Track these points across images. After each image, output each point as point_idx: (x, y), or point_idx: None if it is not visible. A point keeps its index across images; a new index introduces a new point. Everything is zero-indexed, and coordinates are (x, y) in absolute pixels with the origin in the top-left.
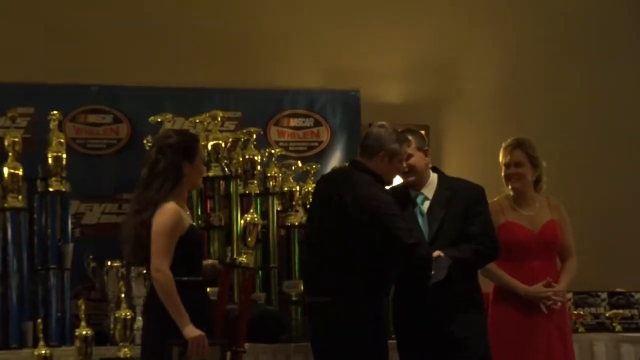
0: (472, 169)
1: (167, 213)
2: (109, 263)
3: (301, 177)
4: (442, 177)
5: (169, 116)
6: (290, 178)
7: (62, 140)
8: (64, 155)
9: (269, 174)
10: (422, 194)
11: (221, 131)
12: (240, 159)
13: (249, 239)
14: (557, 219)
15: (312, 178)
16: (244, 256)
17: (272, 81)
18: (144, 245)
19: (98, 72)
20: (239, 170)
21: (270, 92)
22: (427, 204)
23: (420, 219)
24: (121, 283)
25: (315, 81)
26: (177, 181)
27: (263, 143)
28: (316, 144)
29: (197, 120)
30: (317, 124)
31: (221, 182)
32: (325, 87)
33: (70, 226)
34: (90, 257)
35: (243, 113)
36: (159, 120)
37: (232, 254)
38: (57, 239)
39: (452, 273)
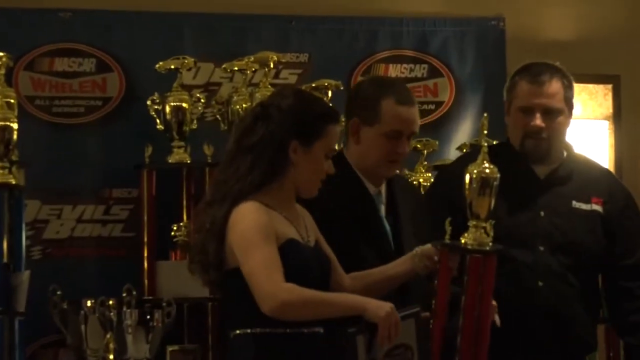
0: None
1: (245, 216)
2: (89, 303)
3: (407, 162)
4: None
5: (190, 61)
6: None
7: (12, 101)
8: (15, 126)
9: None
10: (381, 193)
11: (274, 86)
12: None
13: (478, 207)
14: None
15: (425, 163)
16: (471, 234)
17: (359, 4)
18: (207, 256)
19: None
20: None
21: (356, 22)
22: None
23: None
24: (109, 336)
25: (431, 4)
26: (276, 168)
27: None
28: (432, 106)
29: (235, 68)
30: (434, 73)
31: None
32: (447, 13)
33: (24, 242)
34: (58, 292)
35: (311, 56)
36: (172, 67)
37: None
38: (1, 263)
39: None
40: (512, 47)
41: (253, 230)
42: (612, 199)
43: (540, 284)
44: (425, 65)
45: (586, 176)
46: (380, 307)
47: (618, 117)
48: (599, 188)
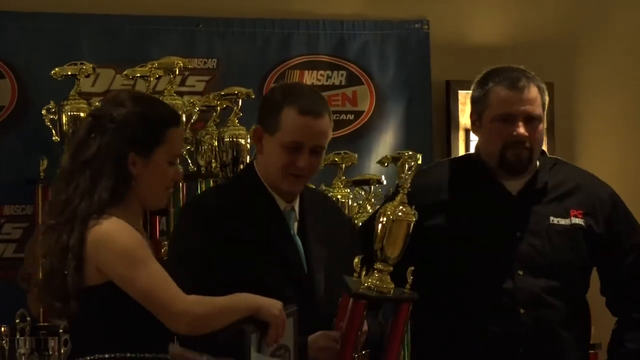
0: (628, 152)
1: (116, 232)
2: None
3: (324, 176)
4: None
5: (88, 67)
6: None
7: None
8: None
9: None
10: (294, 209)
11: (180, 94)
12: (215, 143)
13: (388, 249)
14: None
15: (343, 178)
16: (376, 276)
17: (271, 5)
18: (65, 288)
19: None
20: (214, 164)
21: (269, 25)
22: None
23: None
24: None
25: (349, 5)
26: (119, 184)
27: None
28: (351, 116)
29: (138, 75)
30: (352, 80)
31: (181, 184)
32: (367, 15)
33: None
34: None
35: (220, 61)
36: (69, 73)
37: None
38: None
39: None
40: (437, 52)
41: (133, 245)
42: (596, 207)
43: (522, 311)
44: (344, 72)
45: (562, 186)
46: (273, 306)
47: (551, 127)
48: (578, 198)
